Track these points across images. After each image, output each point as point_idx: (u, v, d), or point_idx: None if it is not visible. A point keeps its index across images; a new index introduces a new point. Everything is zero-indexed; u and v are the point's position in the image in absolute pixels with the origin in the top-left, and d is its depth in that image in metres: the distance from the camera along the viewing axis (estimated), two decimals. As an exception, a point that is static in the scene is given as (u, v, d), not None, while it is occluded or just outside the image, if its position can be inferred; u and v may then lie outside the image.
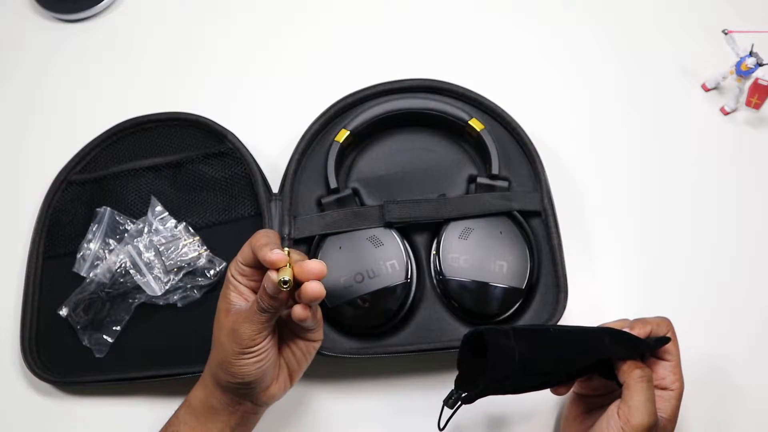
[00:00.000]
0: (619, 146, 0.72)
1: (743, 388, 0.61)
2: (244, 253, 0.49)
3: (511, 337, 0.47)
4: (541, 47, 0.78)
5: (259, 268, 0.49)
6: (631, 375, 0.48)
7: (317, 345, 0.53)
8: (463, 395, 0.48)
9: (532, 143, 0.66)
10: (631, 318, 0.54)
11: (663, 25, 0.79)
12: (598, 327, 0.52)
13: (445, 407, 0.48)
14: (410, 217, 0.61)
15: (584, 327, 0.51)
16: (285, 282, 0.45)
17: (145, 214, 0.65)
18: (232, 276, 0.50)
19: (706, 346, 0.61)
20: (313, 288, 0.46)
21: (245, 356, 0.48)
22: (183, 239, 0.64)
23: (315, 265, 0.47)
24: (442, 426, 0.49)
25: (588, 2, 0.81)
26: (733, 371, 0.61)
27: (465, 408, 0.48)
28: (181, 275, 0.62)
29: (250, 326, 0.47)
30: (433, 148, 0.67)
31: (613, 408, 0.49)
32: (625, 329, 0.52)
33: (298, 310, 0.48)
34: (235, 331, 0.48)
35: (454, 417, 0.48)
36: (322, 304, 0.59)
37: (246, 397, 0.50)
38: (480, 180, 0.64)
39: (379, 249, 0.60)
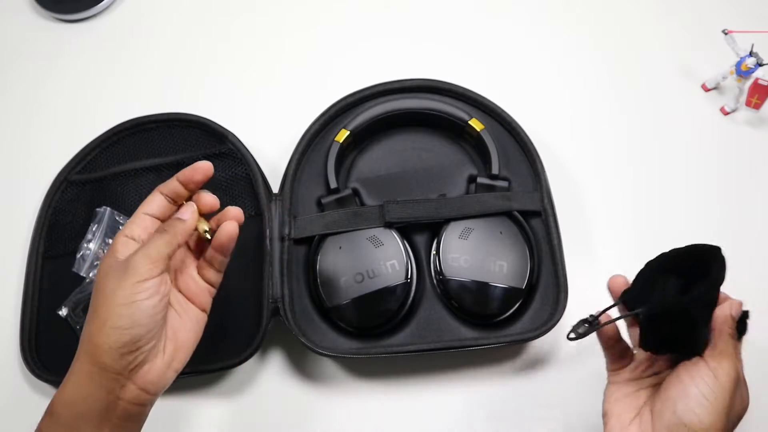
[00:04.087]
0: (619, 146, 0.72)
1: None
2: (153, 207, 0.49)
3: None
4: (541, 47, 0.78)
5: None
6: (727, 323, 0.44)
7: (204, 317, 0.51)
8: (643, 307, 0.44)
9: (532, 143, 0.66)
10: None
11: (663, 25, 0.79)
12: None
13: (586, 327, 0.46)
14: (410, 217, 0.61)
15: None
16: (207, 231, 0.49)
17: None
18: (126, 235, 0.47)
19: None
20: (232, 228, 0.49)
21: (139, 293, 0.44)
22: (183, 239, 0.63)
23: (234, 212, 0.50)
24: (571, 336, 0.46)
25: (588, 2, 0.81)
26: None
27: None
28: (181, 275, 0.62)
29: (146, 255, 0.45)
30: (433, 148, 0.67)
31: (695, 361, 0.44)
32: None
33: (231, 226, 0.49)
34: (128, 267, 0.44)
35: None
36: (323, 304, 0.59)
37: (130, 371, 0.44)
38: (480, 180, 0.64)
39: (379, 249, 0.60)
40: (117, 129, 0.70)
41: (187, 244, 0.51)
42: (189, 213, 0.48)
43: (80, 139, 0.70)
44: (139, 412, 0.46)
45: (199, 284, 0.51)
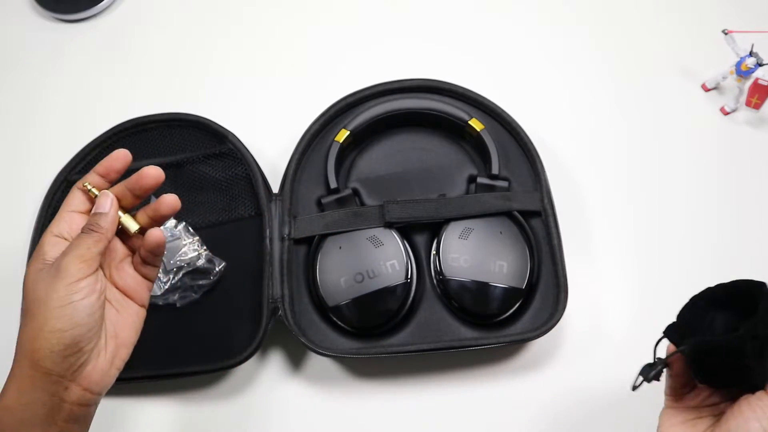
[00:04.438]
0: (619, 146, 0.72)
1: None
2: (74, 204, 0.48)
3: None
4: (541, 47, 0.78)
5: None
6: None
7: (143, 312, 0.50)
8: (687, 341, 0.43)
9: (532, 143, 0.66)
10: None
11: (663, 25, 0.79)
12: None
13: (655, 372, 0.44)
14: (410, 217, 0.61)
15: None
16: (138, 230, 0.49)
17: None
18: (54, 234, 0.47)
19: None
20: (158, 236, 0.48)
21: (74, 294, 0.43)
22: (183, 239, 0.63)
23: (169, 200, 0.49)
24: (638, 383, 0.44)
25: (588, 2, 0.81)
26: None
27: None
28: (180, 275, 0.62)
29: (76, 256, 0.44)
30: (433, 148, 0.67)
31: (759, 394, 0.42)
32: None
33: (156, 233, 0.48)
34: (59, 269, 0.44)
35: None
36: (323, 304, 0.59)
37: (73, 373, 0.44)
38: (480, 180, 0.64)
39: (379, 249, 0.60)
40: (117, 129, 0.70)
41: (120, 237, 0.50)
42: (108, 204, 0.47)
43: (80, 139, 0.70)
44: (85, 413, 0.45)
45: (137, 279, 0.50)
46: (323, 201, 0.63)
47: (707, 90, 0.74)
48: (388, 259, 0.60)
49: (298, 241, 0.62)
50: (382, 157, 0.67)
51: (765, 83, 0.67)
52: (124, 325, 0.48)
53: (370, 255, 0.60)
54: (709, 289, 0.46)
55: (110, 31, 0.82)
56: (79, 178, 0.68)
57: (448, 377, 0.62)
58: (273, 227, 0.63)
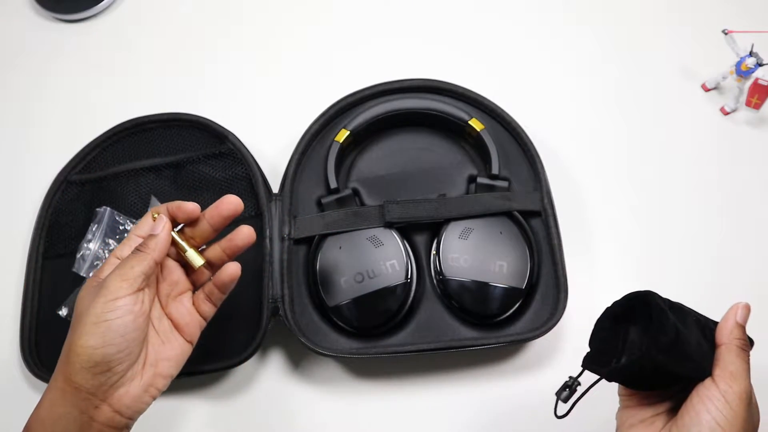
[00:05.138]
0: (619, 146, 0.72)
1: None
2: (144, 228, 0.49)
3: (668, 306, 0.43)
4: (541, 47, 0.78)
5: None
6: (734, 335, 0.43)
7: (189, 349, 0.50)
8: (603, 371, 0.43)
9: (532, 143, 0.66)
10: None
11: (663, 25, 0.79)
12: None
13: (567, 392, 0.45)
14: (410, 217, 0.61)
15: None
16: (203, 265, 0.50)
17: (144, 214, 0.65)
18: (115, 256, 0.48)
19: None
20: (235, 270, 0.50)
21: (110, 312, 0.43)
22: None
23: (245, 231, 0.51)
24: (563, 414, 0.45)
25: (588, 2, 0.81)
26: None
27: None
28: (181, 275, 0.62)
29: (118, 274, 0.45)
30: (433, 148, 0.67)
31: (707, 383, 0.42)
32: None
33: (233, 267, 0.50)
34: (102, 285, 0.44)
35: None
36: (323, 304, 0.59)
37: (104, 392, 0.44)
38: (480, 180, 0.64)
39: (379, 249, 0.60)
40: (117, 129, 0.70)
41: (185, 271, 0.51)
42: (160, 227, 0.48)
43: (80, 139, 0.70)
44: None
45: (192, 314, 0.50)
46: (323, 201, 0.63)
47: (707, 90, 0.74)
48: (388, 259, 0.60)
49: (298, 241, 0.62)
50: (382, 157, 0.67)
51: (765, 83, 0.67)
52: (167, 357, 0.48)
53: (370, 255, 0.60)
54: (608, 308, 0.46)
55: (110, 31, 0.82)
56: (79, 178, 0.68)
57: (448, 377, 0.62)
58: (273, 227, 0.63)
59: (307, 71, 0.78)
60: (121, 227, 0.65)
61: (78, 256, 0.64)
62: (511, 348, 0.62)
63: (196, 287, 0.52)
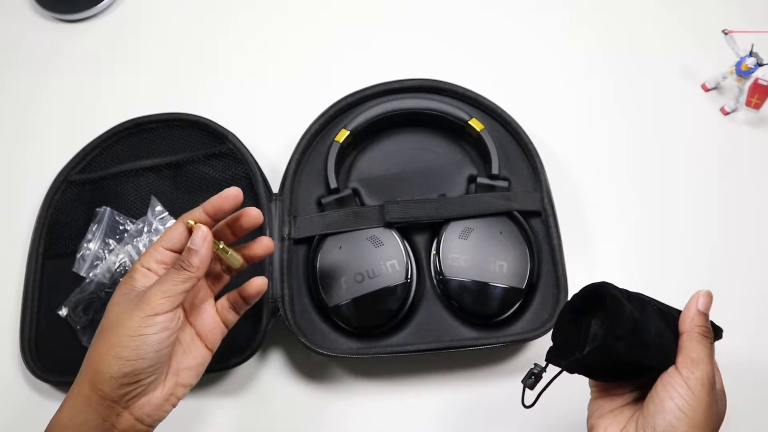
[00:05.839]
0: (619, 146, 0.72)
1: (743, 384, 0.60)
2: (173, 239, 0.47)
3: (625, 296, 0.43)
4: (541, 47, 0.78)
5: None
6: (695, 322, 0.43)
7: (209, 357, 0.50)
8: (563, 363, 0.43)
9: (532, 143, 0.66)
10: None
11: (663, 25, 0.79)
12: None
13: (533, 379, 0.45)
14: (410, 217, 0.61)
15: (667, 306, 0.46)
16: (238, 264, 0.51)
17: (145, 214, 0.65)
18: (143, 266, 0.47)
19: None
20: (262, 284, 0.52)
21: (148, 327, 0.43)
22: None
23: (265, 242, 0.52)
24: (530, 403, 0.45)
25: (588, 2, 0.81)
26: (733, 369, 0.61)
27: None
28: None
29: (162, 290, 0.44)
30: (433, 148, 0.67)
31: (670, 371, 0.42)
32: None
33: (260, 281, 0.51)
34: (143, 298, 0.44)
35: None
36: (323, 304, 0.60)
37: (127, 401, 0.44)
38: (480, 180, 0.64)
39: (379, 249, 0.60)
40: (117, 129, 0.70)
41: (206, 277, 0.51)
42: (201, 241, 0.46)
43: (80, 139, 0.70)
44: None
45: (215, 322, 0.50)
46: (323, 201, 0.63)
47: (707, 90, 0.74)
48: (388, 259, 0.60)
49: (298, 241, 0.62)
50: (382, 157, 0.67)
51: (765, 83, 0.67)
52: (188, 366, 0.48)
53: (370, 255, 0.60)
54: (567, 302, 0.46)
55: (110, 31, 0.82)
56: (79, 178, 0.68)
57: (447, 377, 0.62)
58: (273, 227, 0.62)
59: (307, 71, 0.78)
60: (121, 227, 0.65)
61: (78, 256, 0.64)
62: (511, 348, 0.62)
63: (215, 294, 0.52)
